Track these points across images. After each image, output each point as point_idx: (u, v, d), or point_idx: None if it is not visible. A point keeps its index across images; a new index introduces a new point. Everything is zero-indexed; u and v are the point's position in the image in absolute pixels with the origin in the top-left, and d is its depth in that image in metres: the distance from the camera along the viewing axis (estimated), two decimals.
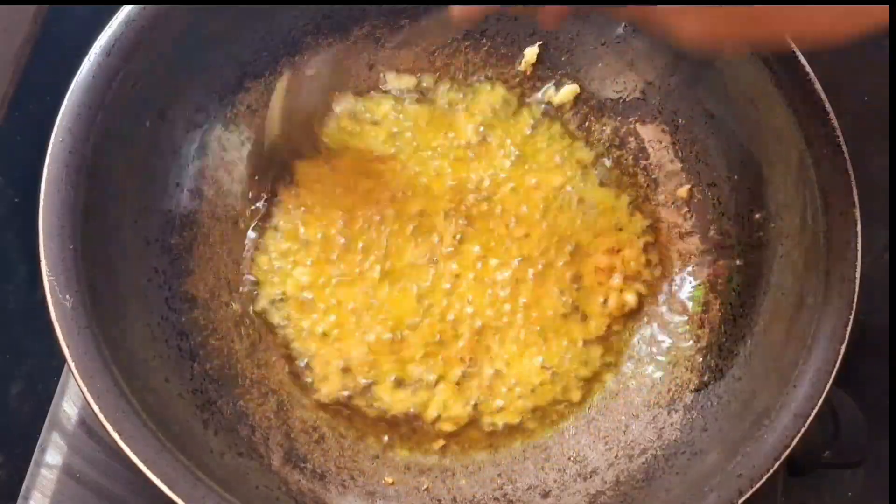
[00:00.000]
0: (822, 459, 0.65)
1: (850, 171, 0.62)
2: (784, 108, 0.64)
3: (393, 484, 0.66)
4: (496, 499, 0.66)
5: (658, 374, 0.70)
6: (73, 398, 0.68)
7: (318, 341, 0.68)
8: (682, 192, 0.73)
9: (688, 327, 0.71)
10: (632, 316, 0.72)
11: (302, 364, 0.68)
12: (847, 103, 0.63)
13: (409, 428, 0.68)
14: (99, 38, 0.60)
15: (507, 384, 0.69)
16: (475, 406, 0.68)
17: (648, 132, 0.75)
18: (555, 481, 0.66)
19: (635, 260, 0.72)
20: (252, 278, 0.69)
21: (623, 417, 0.69)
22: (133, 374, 0.56)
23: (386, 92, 0.75)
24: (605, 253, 0.72)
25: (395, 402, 0.67)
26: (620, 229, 0.73)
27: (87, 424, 0.67)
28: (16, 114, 0.76)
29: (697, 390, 0.68)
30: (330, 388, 0.67)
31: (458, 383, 0.68)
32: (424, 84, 0.76)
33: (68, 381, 0.69)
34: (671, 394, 0.69)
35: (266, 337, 0.68)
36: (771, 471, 0.57)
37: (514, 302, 0.70)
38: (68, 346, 0.54)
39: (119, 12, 0.61)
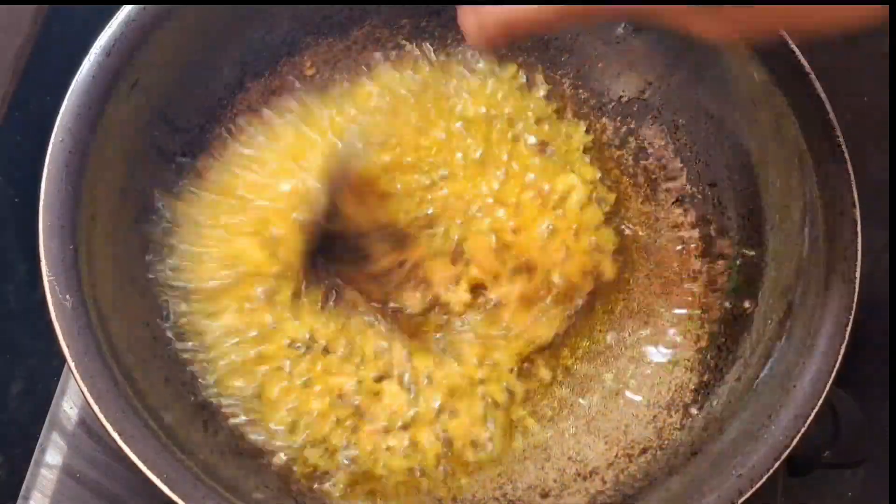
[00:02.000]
0: (823, 459, 0.65)
1: (850, 171, 0.62)
2: (784, 108, 0.64)
3: None
4: (496, 498, 0.66)
5: (658, 374, 0.70)
6: (73, 398, 0.68)
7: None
8: (683, 191, 0.73)
9: (687, 327, 0.71)
10: (631, 316, 0.72)
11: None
12: (847, 103, 0.63)
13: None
14: (99, 39, 0.60)
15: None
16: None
17: (648, 132, 0.75)
18: (554, 481, 0.66)
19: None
20: None
21: (623, 417, 0.69)
22: (133, 375, 0.56)
23: None
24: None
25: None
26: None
27: (87, 424, 0.68)
28: (16, 113, 0.76)
29: (697, 390, 0.68)
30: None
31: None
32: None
33: (68, 381, 0.69)
34: (671, 393, 0.69)
35: None
36: (771, 471, 0.57)
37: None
38: (68, 347, 0.54)
39: (119, 12, 0.61)
